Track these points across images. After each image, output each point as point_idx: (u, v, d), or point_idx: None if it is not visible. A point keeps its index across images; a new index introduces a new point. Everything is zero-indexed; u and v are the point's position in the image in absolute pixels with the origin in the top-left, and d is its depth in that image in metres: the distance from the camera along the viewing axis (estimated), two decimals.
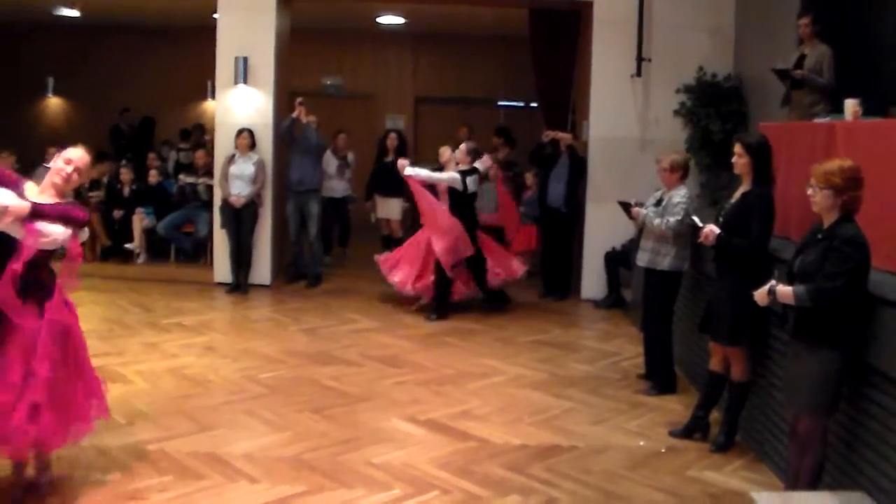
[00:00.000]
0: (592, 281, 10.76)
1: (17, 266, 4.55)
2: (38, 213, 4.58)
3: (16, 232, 4.58)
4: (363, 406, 6.66)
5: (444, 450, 5.83)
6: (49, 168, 4.94)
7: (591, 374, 7.75)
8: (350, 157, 12.63)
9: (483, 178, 10.21)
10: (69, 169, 4.82)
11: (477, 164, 9.91)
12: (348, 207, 12.80)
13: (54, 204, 4.72)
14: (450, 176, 9.62)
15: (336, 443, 5.87)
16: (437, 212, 9.60)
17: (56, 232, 4.68)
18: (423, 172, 9.73)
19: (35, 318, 4.70)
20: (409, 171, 9.64)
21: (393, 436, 6.06)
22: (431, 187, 9.80)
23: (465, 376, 7.52)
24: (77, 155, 4.89)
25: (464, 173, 9.62)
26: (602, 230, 10.54)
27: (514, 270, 10.05)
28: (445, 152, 10.13)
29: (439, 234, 9.45)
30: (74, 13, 14.91)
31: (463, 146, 9.99)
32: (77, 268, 4.97)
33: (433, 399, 6.87)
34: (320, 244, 11.26)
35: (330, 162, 12.03)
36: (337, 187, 12.25)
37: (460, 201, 9.62)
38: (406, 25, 15.05)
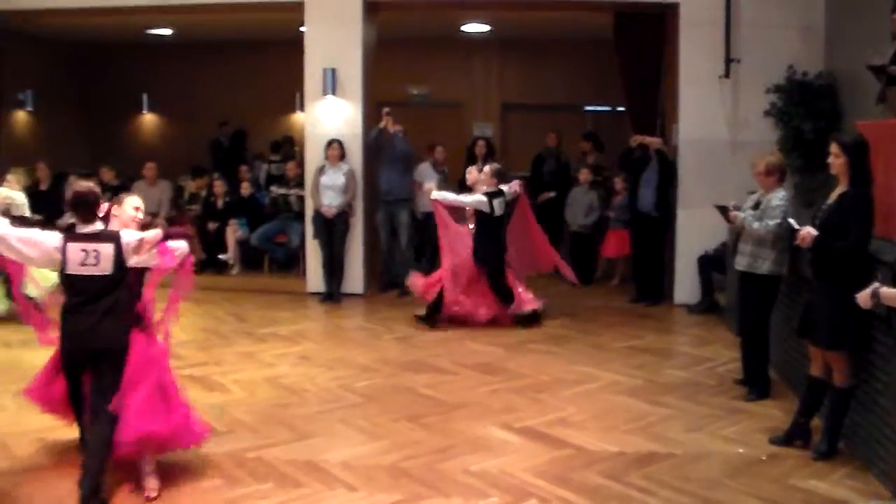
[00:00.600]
0: (685, 285, 10.62)
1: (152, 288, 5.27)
2: (167, 236, 5.16)
3: (147, 261, 5.10)
4: (459, 414, 6.68)
5: (541, 457, 5.80)
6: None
7: (686, 380, 7.64)
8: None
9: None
10: (140, 215, 5.43)
11: (503, 188, 9.68)
12: None
13: (169, 228, 5.23)
14: (475, 199, 9.45)
15: (432, 451, 5.89)
16: (456, 240, 9.57)
17: (182, 247, 5.26)
18: (450, 196, 9.63)
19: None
20: (436, 195, 9.52)
21: (489, 444, 6.06)
22: (460, 211, 9.76)
23: (560, 383, 7.49)
24: (138, 202, 5.50)
25: (490, 195, 9.44)
26: (694, 234, 10.41)
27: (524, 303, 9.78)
28: (472, 172, 10.05)
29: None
30: (167, 31, 15.29)
31: (487, 168, 9.74)
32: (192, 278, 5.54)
33: (529, 406, 6.85)
34: (411, 253, 11.31)
35: (429, 175, 11.68)
36: None
37: (488, 224, 9.47)
38: (491, 32, 15.05)
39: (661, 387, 7.43)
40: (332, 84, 10.95)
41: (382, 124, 10.71)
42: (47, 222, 12.37)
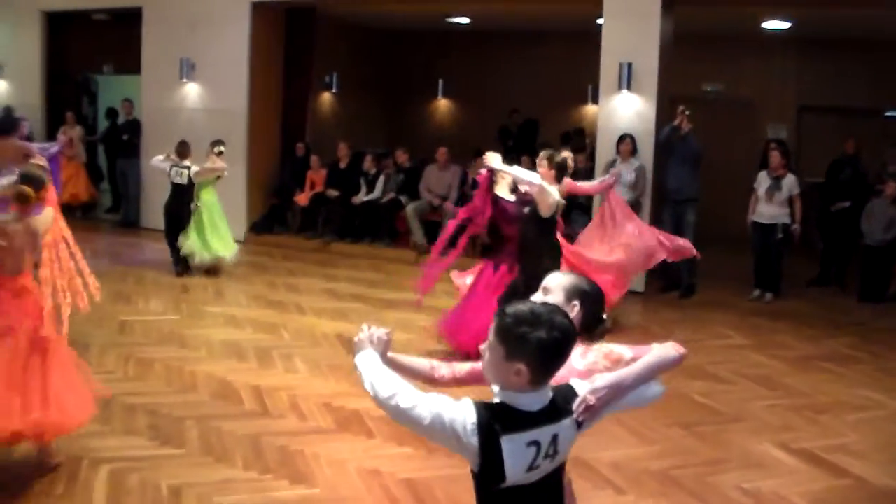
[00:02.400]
0: None
1: None
2: None
3: None
4: (734, 427, 6.55)
5: (818, 484, 5.59)
6: None
7: None
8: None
9: None
10: None
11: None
12: (777, 238, 10.72)
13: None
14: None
15: (704, 462, 5.82)
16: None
17: None
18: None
19: None
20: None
21: (763, 461, 5.91)
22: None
23: (842, 406, 7.15)
24: None
25: None
26: None
27: None
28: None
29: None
30: (464, 20, 15.76)
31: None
32: None
33: (807, 427, 6.61)
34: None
35: (761, 181, 10.92)
36: (765, 211, 10.78)
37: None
38: (791, 30, 14.47)
39: None
40: (627, 79, 10.93)
41: (676, 122, 10.57)
42: (344, 198, 13.16)
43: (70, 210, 12.95)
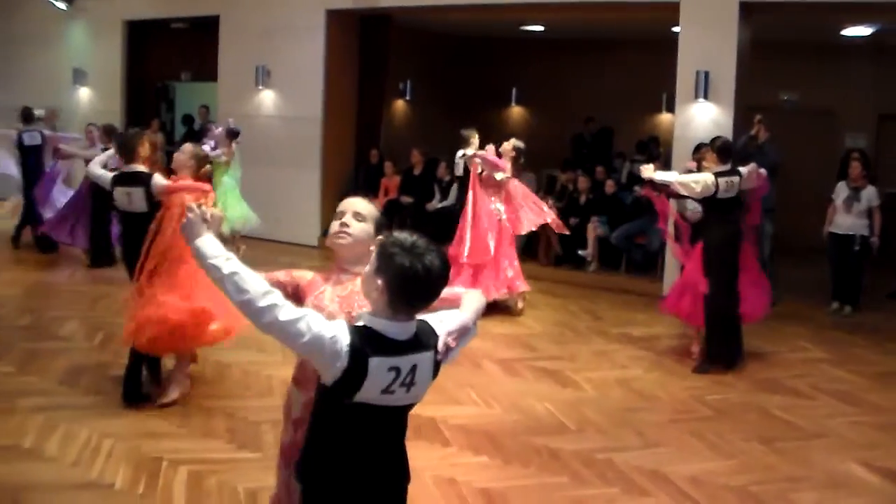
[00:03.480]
0: None
1: None
2: None
3: None
4: (815, 443, 6.40)
5: None
6: None
7: None
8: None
9: None
10: None
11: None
12: (855, 249, 10.48)
13: None
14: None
15: (785, 479, 5.71)
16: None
17: None
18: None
19: None
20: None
21: (847, 481, 5.76)
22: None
23: None
24: None
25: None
26: None
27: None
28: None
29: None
30: (539, 28, 15.73)
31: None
32: None
33: (892, 445, 6.42)
34: (773, 265, 10.90)
35: (840, 192, 10.70)
36: (843, 223, 10.56)
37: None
38: (871, 37, 14.16)
39: None
40: (703, 87, 10.81)
41: (753, 131, 10.41)
42: (418, 204, 13.20)
43: None
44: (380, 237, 2.95)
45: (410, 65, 16.60)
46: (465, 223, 9.81)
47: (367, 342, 2.76)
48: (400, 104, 16.98)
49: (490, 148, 9.78)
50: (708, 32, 10.82)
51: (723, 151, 8.08)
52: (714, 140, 8.39)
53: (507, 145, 10.04)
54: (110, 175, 6.89)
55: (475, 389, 7.15)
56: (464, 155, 9.80)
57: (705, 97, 10.82)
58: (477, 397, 6.98)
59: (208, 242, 2.86)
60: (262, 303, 2.73)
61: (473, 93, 17.79)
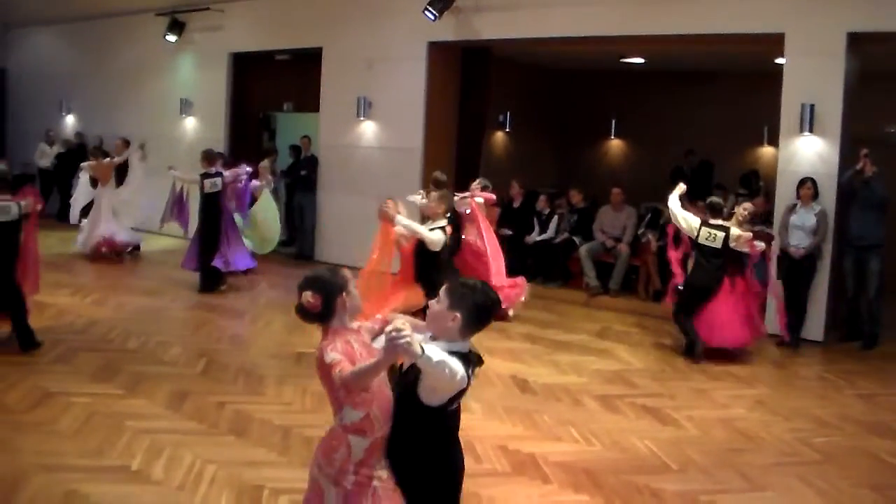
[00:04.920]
0: None
1: None
2: None
3: None
4: None
5: None
6: None
7: None
8: None
9: None
10: None
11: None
12: None
13: None
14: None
15: None
16: None
17: None
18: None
19: None
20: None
21: None
22: None
23: None
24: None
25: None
26: None
27: None
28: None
29: None
30: (639, 60, 15.65)
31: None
32: None
33: None
34: (879, 304, 10.62)
35: None
36: None
37: None
38: None
39: None
40: (809, 120, 10.57)
41: (859, 166, 10.15)
42: (517, 237, 13.19)
43: None
44: (447, 284, 3.77)
45: (510, 96, 16.66)
46: (486, 254, 11.03)
47: (465, 362, 3.53)
48: (499, 136, 17.04)
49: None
50: (814, 64, 10.59)
51: (710, 208, 9.81)
52: (709, 200, 10.04)
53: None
54: None
55: (575, 426, 7.09)
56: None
57: (810, 130, 10.58)
58: (577, 434, 6.92)
59: (430, 351, 3.38)
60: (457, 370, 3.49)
61: (572, 125, 17.80)
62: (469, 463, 6.13)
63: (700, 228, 9.57)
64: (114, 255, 14.21)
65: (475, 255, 11.10)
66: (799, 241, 10.23)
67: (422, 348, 3.31)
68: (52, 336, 9.12)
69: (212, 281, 12.00)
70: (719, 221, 9.62)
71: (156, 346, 9.10)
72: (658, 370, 9.02)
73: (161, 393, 7.48)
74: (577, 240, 13.05)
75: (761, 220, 11.35)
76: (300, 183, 15.29)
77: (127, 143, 15.20)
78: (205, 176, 11.83)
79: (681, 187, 10.03)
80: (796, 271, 10.26)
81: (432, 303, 3.72)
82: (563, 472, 6.06)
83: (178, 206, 12.83)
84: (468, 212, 11.30)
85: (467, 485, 5.68)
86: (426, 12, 12.80)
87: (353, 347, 3.78)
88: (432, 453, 3.83)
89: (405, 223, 8.09)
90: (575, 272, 13.12)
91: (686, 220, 9.69)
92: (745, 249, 9.48)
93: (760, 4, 10.76)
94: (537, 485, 5.90)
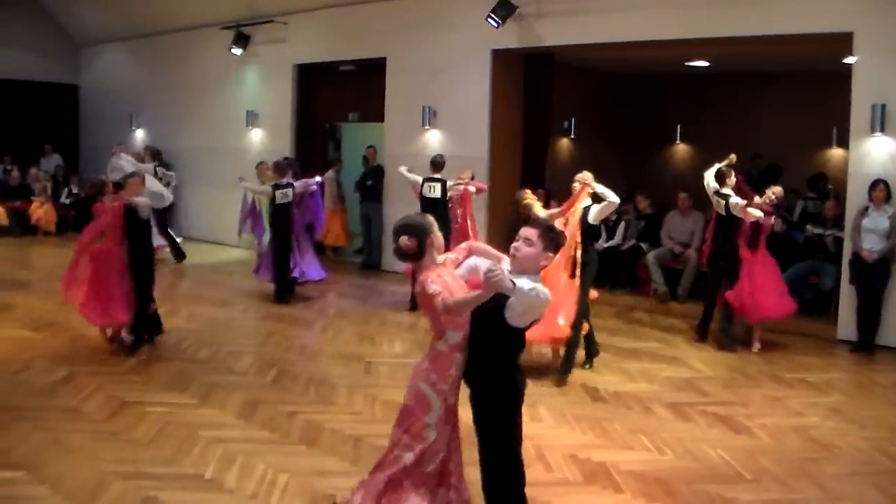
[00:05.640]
0: None
1: None
2: None
3: None
4: None
5: None
6: None
7: None
8: None
9: None
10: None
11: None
12: None
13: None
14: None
15: None
16: None
17: None
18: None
19: None
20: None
21: None
22: None
23: None
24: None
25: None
26: None
27: None
28: None
29: None
30: (704, 63, 15.50)
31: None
32: None
33: None
34: None
35: None
36: None
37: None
38: None
39: None
40: (880, 121, 10.36)
41: None
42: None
43: (322, 249, 13.57)
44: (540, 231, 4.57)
45: (574, 102, 16.61)
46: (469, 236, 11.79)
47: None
48: (564, 142, 16.99)
49: None
50: (885, 63, 10.37)
51: (717, 176, 10.30)
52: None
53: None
54: None
55: (646, 434, 7.03)
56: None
57: (882, 131, 10.36)
58: (648, 442, 6.86)
59: (520, 283, 4.15)
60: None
61: (637, 130, 17.68)
62: (540, 472, 6.19)
63: (729, 201, 9.98)
64: None
65: (461, 235, 11.68)
66: (872, 245, 10.03)
67: (512, 283, 4.04)
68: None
69: (286, 291, 12.15)
70: (725, 190, 10.12)
71: (227, 355, 9.23)
72: (729, 378, 8.90)
73: (233, 402, 7.59)
74: (644, 246, 12.99)
75: (832, 224, 11.19)
76: (367, 193, 15.38)
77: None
78: (276, 187, 11.96)
79: (730, 158, 10.41)
80: (870, 275, 10.07)
81: (520, 245, 4.53)
82: (635, 482, 6.01)
83: (251, 217, 12.97)
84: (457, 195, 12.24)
85: (538, 494, 5.73)
86: (489, 20, 12.84)
87: (445, 279, 4.57)
88: (508, 368, 4.60)
89: (601, 189, 8.84)
90: (643, 279, 13.04)
91: (707, 186, 10.36)
92: (741, 216, 9.86)
93: (827, 4, 10.59)
94: (609, 494, 5.86)
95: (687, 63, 15.67)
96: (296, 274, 12.20)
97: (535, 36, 13.12)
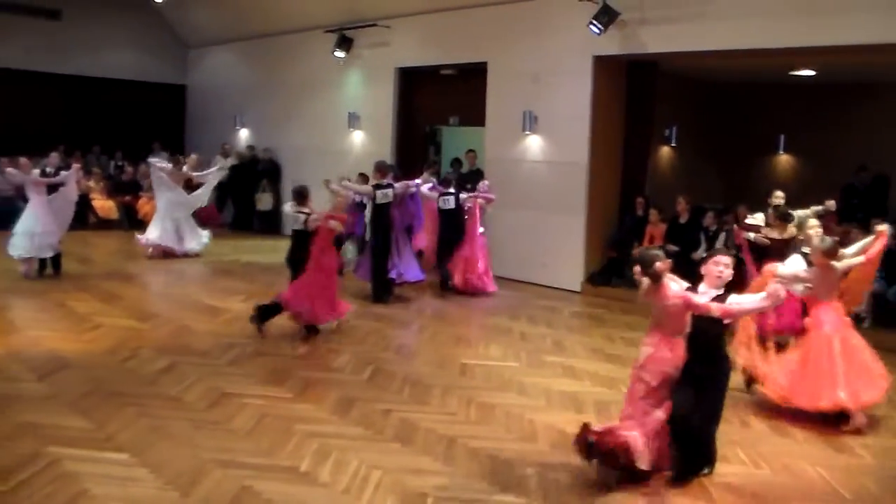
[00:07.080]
0: None
1: None
2: None
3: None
4: None
5: None
6: None
7: None
8: None
9: None
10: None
11: None
12: None
13: None
14: None
15: None
16: None
17: None
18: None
19: None
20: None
21: None
22: None
23: None
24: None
25: None
26: None
27: None
28: None
29: None
30: (809, 73, 15.19)
31: None
32: None
33: None
34: None
35: None
36: None
37: None
38: None
39: None
40: None
41: None
42: (683, 255, 12.96)
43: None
44: None
45: (676, 110, 16.43)
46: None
47: None
48: (665, 150, 16.81)
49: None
50: None
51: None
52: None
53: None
54: None
55: (742, 448, 6.92)
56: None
57: None
58: (744, 456, 6.75)
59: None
60: None
61: (739, 139, 17.39)
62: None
63: None
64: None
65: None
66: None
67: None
68: (226, 340, 9.66)
69: (384, 291, 12.25)
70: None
71: (325, 352, 9.39)
72: None
73: (329, 398, 7.72)
74: None
75: None
76: None
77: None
78: (377, 187, 12.08)
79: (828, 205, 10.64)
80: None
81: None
82: (729, 495, 5.92)
83: (352, 216, 13.13)
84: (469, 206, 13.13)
85: (627, 500, 5.69)
86: (591, 26, 12.78)
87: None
88: (724, 352, 6.21)
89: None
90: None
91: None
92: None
93: None
94: None
95: (792, 72, 15.36)
96: (393, 275, 12.32)
97: (637, 43, 13.02)
